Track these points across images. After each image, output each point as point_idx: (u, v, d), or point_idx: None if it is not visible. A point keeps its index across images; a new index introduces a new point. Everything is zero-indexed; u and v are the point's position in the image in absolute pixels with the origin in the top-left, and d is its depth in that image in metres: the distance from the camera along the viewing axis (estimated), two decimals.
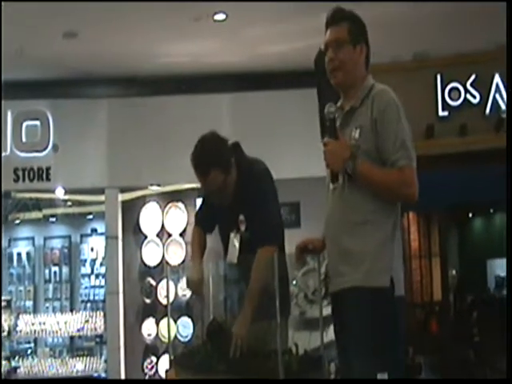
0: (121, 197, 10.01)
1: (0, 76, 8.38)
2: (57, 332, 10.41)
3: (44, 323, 10.46)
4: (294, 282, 9.03)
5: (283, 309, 4.14)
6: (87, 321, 10.55)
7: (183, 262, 10.13)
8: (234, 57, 9.15)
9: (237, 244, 4.33)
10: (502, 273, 15.58)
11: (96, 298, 11.54)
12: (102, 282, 11.18)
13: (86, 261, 11.65)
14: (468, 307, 13.90)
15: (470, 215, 15.88)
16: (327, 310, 3.64)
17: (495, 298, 15.00)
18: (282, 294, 4.08)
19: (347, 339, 3.36)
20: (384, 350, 3.25)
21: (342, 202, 3.40)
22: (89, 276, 11.67)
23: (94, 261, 11.59)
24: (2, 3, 6.98)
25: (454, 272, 15.00)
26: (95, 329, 10.49)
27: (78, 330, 10.49)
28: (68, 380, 10.03)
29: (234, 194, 4.29)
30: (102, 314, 10.58)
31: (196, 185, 5.36)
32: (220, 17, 7.94)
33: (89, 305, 11.56)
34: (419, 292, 11.90)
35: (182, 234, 10.23)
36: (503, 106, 9.43)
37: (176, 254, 10.25)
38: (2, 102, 9.28)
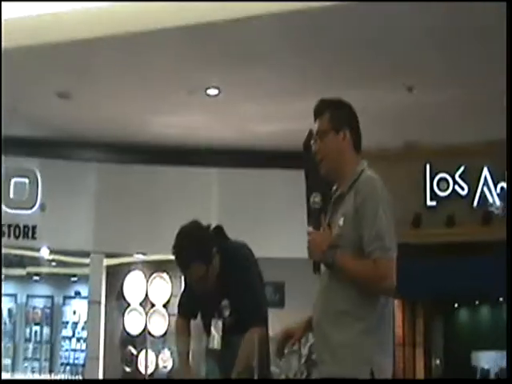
0: (106, 262, 10.04)
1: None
2: None
3: None
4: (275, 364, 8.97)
5: None
6: None
7: (165, 333, 10.09)
8: (226, 132, 9.32)
9: (219, 331, 4.31)
10: (487, 365, 15.43)
11: (76, 361, 11.43)
12: (83, 346, 11.08)
13: (67, 323, 11.58)
14: None
15: (456, 306, 15.82)
16: None
17: None
18: (263, 375, 4.08)
19: None
20: None
21: (325, 290, 3.39)
22: (70, 339, 11.59)
23: (75, 324, 11.53)
24: None
25: (437, 362, 14.86)
26: None
27: None
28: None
29: (216, 281, 4.27)
30: (81, 378, 10.45)
31: None
32: (213, 92, 8.10)
33: (68, 368, 11.43)
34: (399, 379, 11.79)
35: (165, 305, 10.22)
36: (491, 200, 9.54)
37: (158, 324, 10.20)
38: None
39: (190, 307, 4.53)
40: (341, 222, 3.34)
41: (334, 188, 3.53)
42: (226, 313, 4.28)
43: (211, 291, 4.27)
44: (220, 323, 4.30)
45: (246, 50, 7.16)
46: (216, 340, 4.32)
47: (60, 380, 9.97)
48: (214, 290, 4.27)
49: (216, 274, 4.26)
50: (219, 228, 4.39)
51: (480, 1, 6.27)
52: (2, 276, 11.11)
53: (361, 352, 3.25)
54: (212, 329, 4.34)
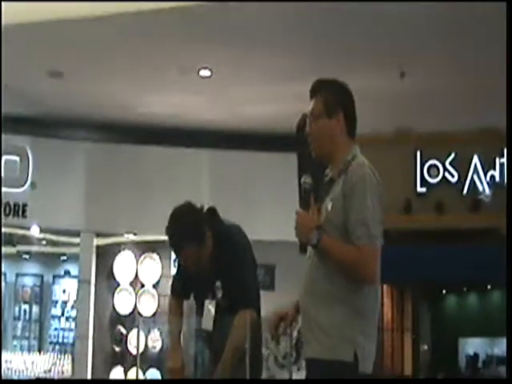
0: (96, 241, 10.04)
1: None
2: (23, 371, 10.29)
3: (10, 361, 10.34)
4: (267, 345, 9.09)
5: (255, 372, 4.15)
6: (55, 363, 10.44)
7: (155, 313, 10.14)
8: (217, 114, 9.33)
9: (212, 311, 4.33)
10: (474, 352, 15.58)
11: (65, 340, 11.42)
12: (72, 325, 11.08)
13: (57, 302, 11.57)
14: None
15: (444, 292, 15.93)
16: (297, 376, 3.62)
17: (466, 377, 14.96)
18: (255, 356, 4.11)
19: None
20: None
21: (311, 272, 3.38)
22: (59, 318, 11.58)
23: (65, 303, 11.52)
24: None
25: (425, 347, 14.97)
26: (62, 372, 10.37)
27: (45, 372, 10.36)
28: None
29: (210, 262, 4.28)
30: (70, 357, 10.49)
31: None
32: (205, 73, 8.11)
33: (57, 347, 11.42)
34: (390, 365, 11.88)
35: (155, 286, 10.25)
36: (480, 188, 9.61)
37: (148, 304, 10.23)
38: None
39: (183, 288, 4.54)
40: (329, 206, 3.34)
41: (327, 171, 3.51)
42: (219, 294, 4.30)
43: (204, 272, 4.29)
44: (213, 304, 4.32)
45: (240, 32, 7.14)
46: (208, 320, 4.35)
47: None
48: (208, 272, 4.28)
49: (209, 256, 4.27)
50: (212, 210, 4.38)
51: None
52: None
53: (344, 333, 3.26)
54: (204, 309, 4.36)
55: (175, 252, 4.32)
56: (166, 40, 7.36)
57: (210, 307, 4.35)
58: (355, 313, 3.29)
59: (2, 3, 6.64)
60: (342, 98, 3.48)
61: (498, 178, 9.59)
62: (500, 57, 7.37)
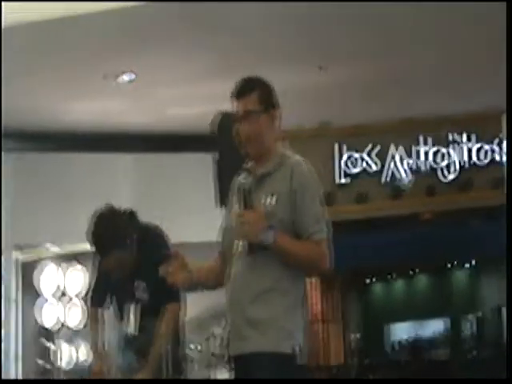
0: (18, 255, 9.85)
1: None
2: None
3: None
4: (193, 347, 9.13)
5: (178, 371, 4.26)
6: None
7: (84, 326, 9.98)
8: (140, 118, 9.31)
9: (133, 315, 4.36)
10: (402, 336, 15.85)
11: None
12: None
13: None
14: (366, 371, 14.06)
15: (369, 281, 16.15)
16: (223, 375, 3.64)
17: (393, 361, 15.22)
18: (178, 357, 4.23)
19: None
20: None
21: (247, 268, 3.38)
22: None
23: None
24: None
25: (354, 336, 15.18)
26: None
27: None
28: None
29: (132, 265, 4.33)
30: None
31: None
32: (127, 77, 8.08)
33: None
34: (319, 355, 12.01)
35: (81, 297, 10.10)
36: (398, 176, 9.84)
37: (76, 317, 10.09)
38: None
39: (101, 296, 4.58)
40: (272, 201, 3.38)
41: (249, 166, 3.52)
42: (140, 294, 4.33)
43: (126, 276, 4.33)
44: (133, 306, 4.35)
45: (160, 35, 7.17)
46: (131, 324, 4.37)
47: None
48: (129, 275, 4.33)
49: (132, 259, 4.31)
50: (132, 213, 4.44)
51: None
52: None
53: (286, 327, 3.32)
54: (127, 314, 4.38)
55: (100, 257, 4.33)
56: (88, 46, 7.30)
57: (129, 313, 4.37)
58: (294, 304, 3.37)
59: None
60: (272, 94, 3.52)
61: (414, 166, 9.86)
62: (412, 45, 7.57)
